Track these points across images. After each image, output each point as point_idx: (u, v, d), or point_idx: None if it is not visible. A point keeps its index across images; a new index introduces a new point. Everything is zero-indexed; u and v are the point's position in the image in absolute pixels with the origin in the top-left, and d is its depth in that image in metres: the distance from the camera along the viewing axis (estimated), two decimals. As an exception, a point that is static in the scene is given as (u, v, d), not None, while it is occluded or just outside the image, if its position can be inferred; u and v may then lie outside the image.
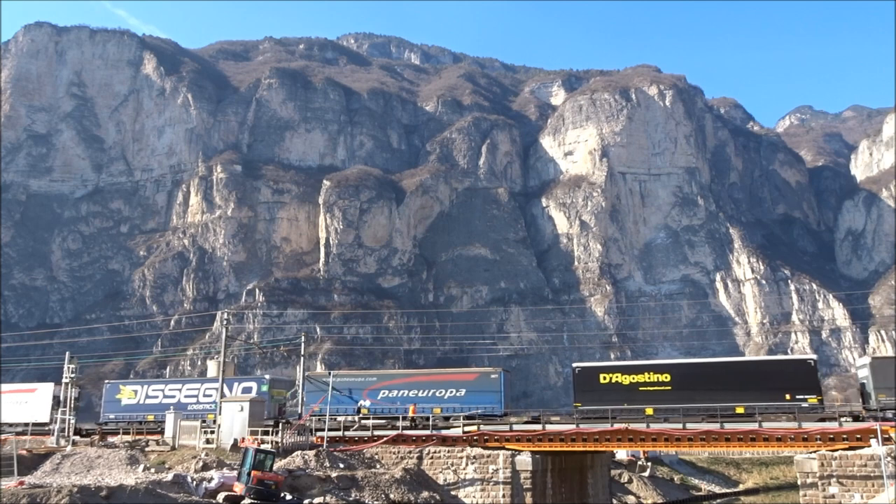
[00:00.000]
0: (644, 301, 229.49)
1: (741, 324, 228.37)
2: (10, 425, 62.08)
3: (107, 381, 70.13)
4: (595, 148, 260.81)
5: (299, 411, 58.87)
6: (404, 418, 55.30)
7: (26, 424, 62.58)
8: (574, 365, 53.94)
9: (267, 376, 62.57)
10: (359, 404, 56.77)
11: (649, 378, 50.21)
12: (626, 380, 50.57)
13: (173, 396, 62.89)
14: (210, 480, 40.12)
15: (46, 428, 61.51)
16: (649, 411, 48.62)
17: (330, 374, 62.02)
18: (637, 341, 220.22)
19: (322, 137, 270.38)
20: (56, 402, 62.39)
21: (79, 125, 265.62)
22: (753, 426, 45.69)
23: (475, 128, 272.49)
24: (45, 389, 66.31)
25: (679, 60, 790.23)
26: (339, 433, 54.11)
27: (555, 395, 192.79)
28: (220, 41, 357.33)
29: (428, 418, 53.88)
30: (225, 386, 57.52)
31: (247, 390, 59.47)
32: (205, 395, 61.99)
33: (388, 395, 57.00)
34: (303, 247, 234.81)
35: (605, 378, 51.24)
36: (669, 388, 49.19)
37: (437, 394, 55.44)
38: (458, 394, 54.93)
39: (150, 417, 62.20)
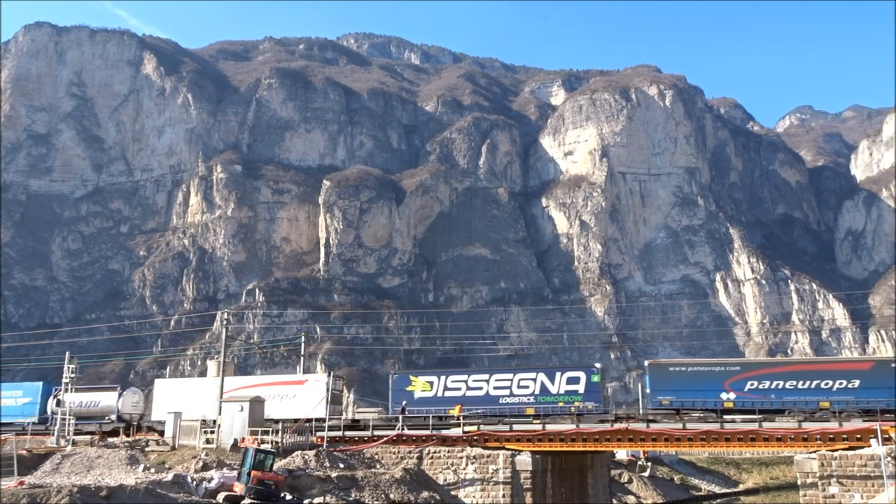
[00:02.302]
0: (644, 301, 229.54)
1: (741, 324, 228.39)
2: (275, 421, 54.24)
3: (393, 371, 62.11)
4: (595, 148, 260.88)
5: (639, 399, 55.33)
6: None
7: (294, 420, 55.59)
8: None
9: (598, 365, 56.29)
10: (721, 397, 50.49)
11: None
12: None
13: (479, 388, 56.33)
14: (210, 480, 40.13)
15: (323, 424, 54.64)
16: None
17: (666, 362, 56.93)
18: (637, 341, 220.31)
19: (322, 137, 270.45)
20: (332, 397, 56.36)
21: (79, 125, 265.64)
22: (753, 426, 45.73)
23: (475, 128, 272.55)
24: (318, 381, 59.02)
25: (679, 60, 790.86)
26: (339, 433, 54.16)
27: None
28: (220, 41, 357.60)
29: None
30: (544, 375, 53.98)
31: (574, 380, 53.62)
32: (519, 387, 55.18)
33: (756, 387, 50.60)
34: (303, 247, 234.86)
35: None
36: None
37: (823, 385, 49.71)
38: (849, 385, 49.33)
39: (453, 411, 55.44)
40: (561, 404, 52.96)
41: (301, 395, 57.31)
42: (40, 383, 70.40)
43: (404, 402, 57.04)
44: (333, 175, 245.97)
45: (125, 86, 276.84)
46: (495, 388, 55.77)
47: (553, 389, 53.83)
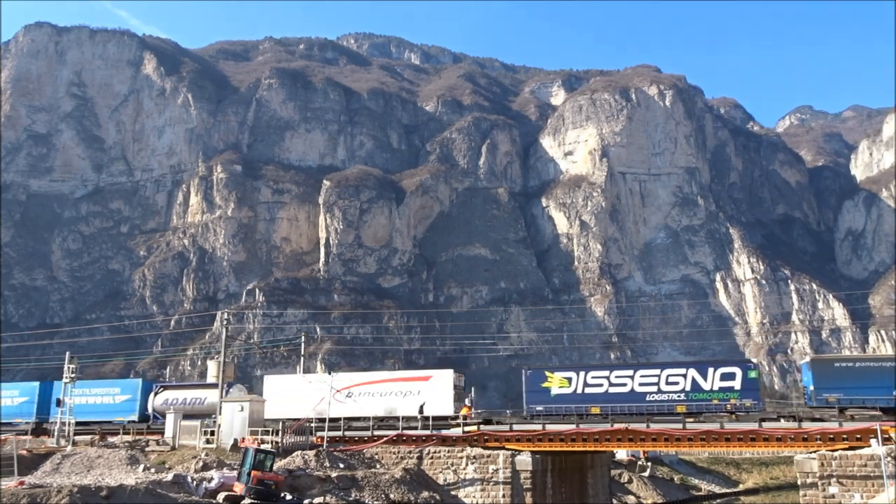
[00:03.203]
0: (644, 301, 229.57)
1: (741, 324, 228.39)
2: (397, 418, 53.48)
3: (526, 367, 58.77)
4: (595, 148, 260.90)
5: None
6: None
7: (425, 418, 53.19)
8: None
9: (754, 360, 52.97)
10: (893, 394, 46.80)
11: None
12: None
13: (623, 385, 53.75)
14: (210, 480, 40.14)
15: (449, 422, 52.53)
16: None
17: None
18: (637, 341, 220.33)
19: (322, 137, 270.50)
20: (457, 394, 54.26)
21: (79, 125, 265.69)
22: (753, 426, 45.71)
23: (475, 128, 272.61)
24: (442, 377, 55.92)
25: (679, 60, 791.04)
26: (339, 433, 54.14)
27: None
28: (220, 41, 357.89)
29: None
30: (695, 371, 51.80)
31: (728, 376, 51.37)
32: (668, 384, 52.61)
33: None
34: (303, 247, 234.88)
35: None
36: None
37: None
38: None
39: (596, 410, 53.01)
40: (715, 402, 50.59)
41: (426, 391, 55.40)
42: (139, 380, 68.06)
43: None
44: (333, 175, 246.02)
45: (125, 86, 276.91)
46: (641, 384, 53.24)
47: (706, 386, 51.38)
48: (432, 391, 55.10)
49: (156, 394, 63.80)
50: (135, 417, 63.10)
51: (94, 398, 65.12)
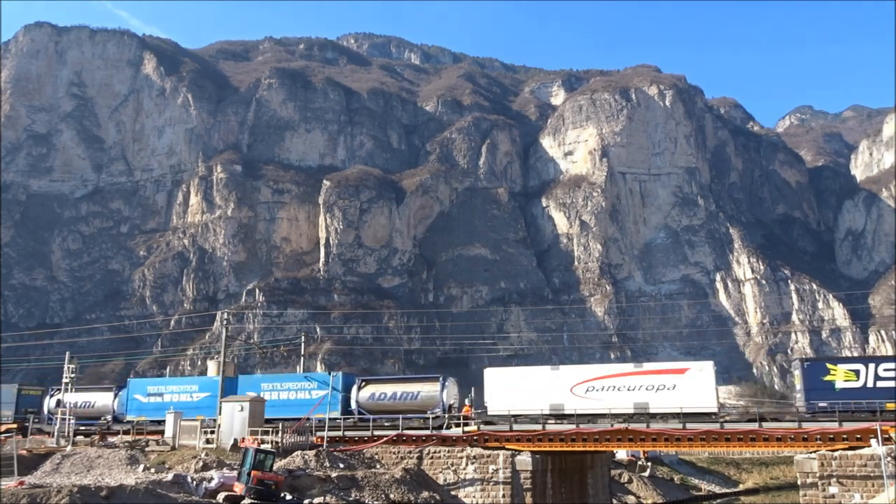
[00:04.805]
0: (644, 301, 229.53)
1: (741, 324, 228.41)
2: (654, 415, 49.39)
3: (803, 359, 54.49)
4: (595, 148, 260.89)
5: None
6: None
7: (682, 415, 49.10)
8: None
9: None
10: None
11: None
12: None
13: None
14: (210, 480, 40.15)
15: (712, 417, 49.41)
16: None
17: None
18: (637, 341, 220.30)
19: (322, 137, 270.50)
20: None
21: (79, 125, 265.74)
22: (753, 426, 45.70)
23: (475, 128, 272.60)
24: (701, 369, 51.92)
25: (679, 60, 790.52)
26: (340, 433, 54.13)
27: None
28: (220, 41, 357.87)
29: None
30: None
31: None
32: None
33: None
34: (303, 247, 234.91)
35: None
36: None
37: None
38: None
39: (891, 406, 48.18)
40: None
41: (682, 386, 51.23)
42: (339, 373, 62.06)
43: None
44: (333, 175, 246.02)
45: (125, 86, 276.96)
46: None
47: None
48: (690, 384, 50.92)
49: (360, 388, 58.85)
50: (337, 414, 57.47)
51: (285, 393, 60.69)
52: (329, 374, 61.84)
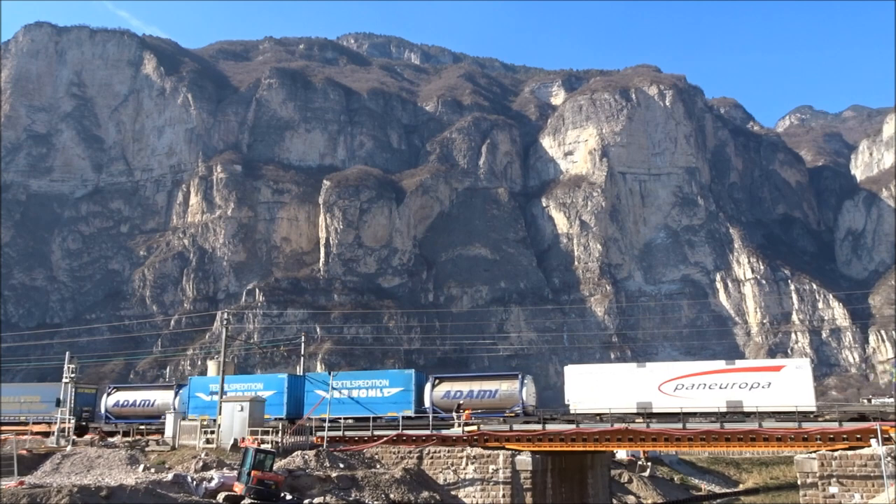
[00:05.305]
0: (644, 301, 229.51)
1: (741, 324, 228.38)
2: (748, 414, 47.83)
3: None
4: (595, 148, 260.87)
5: None
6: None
7: (774, 413, 47.60)
8: None
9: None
10: None
11: None
12: None
13: None
14: (210, 480, 40.13)
15: (810, 417, 47.53)
16: None
17: None
18: (637, 341, 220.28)
19: (322, 137, 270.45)
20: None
21: (79, 125, 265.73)
22: (753, 426, 45.65)
23: (475, 128, 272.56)
24: (798, 367, 50.23)
25: (679, 60, 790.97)
26: (340, 433, 54.13)
27: (555, 395, 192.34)
28: (220, 41, 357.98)
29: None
30: None
31: None
32: None
33: None
34: (303, 247, 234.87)
35: None
36: None
37: None
38: None
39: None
40: None
41: (777, 383, 49.43)
42: (412, 371, 60.68)
43: None
44: (333, 175, 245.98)
45: (125, 86, 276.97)
46: None
47: None
48: (786, 382, 49.04)
49: (434, 386, 57.54)
50: (410, 412, 56.43)
51: (356, 391, 59.55)
52: (413, 372, 60.25)
